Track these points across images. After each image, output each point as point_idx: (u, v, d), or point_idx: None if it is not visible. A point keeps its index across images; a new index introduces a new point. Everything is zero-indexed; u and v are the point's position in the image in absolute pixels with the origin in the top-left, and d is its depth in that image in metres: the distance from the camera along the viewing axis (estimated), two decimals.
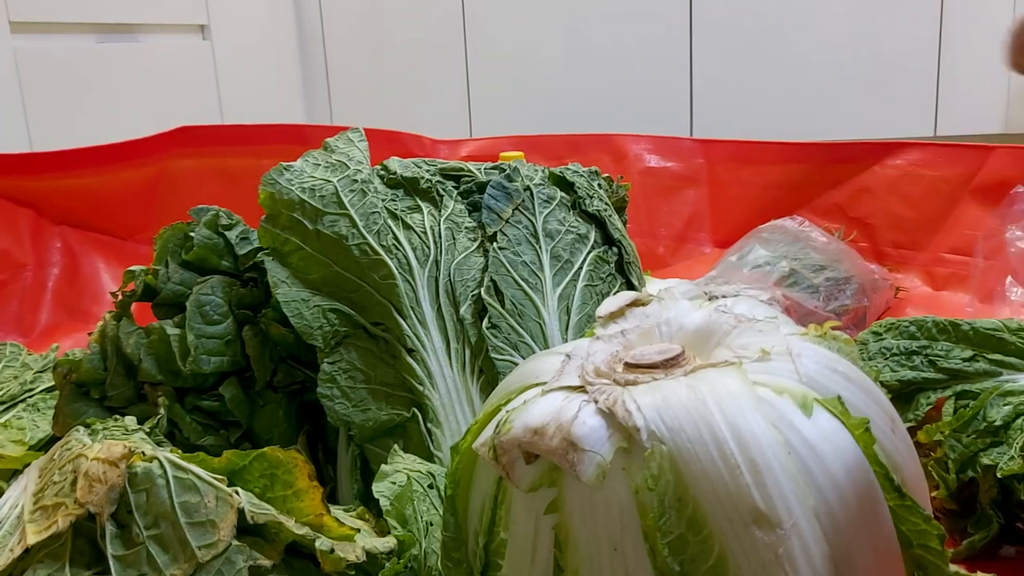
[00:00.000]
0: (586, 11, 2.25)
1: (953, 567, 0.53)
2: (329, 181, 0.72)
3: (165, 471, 0.50)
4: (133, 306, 0.78)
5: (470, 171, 0.79)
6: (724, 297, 0.53)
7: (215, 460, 0.53)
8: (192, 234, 0.78)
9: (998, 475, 0.69)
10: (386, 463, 0.61)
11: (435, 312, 0.69)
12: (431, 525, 0.57)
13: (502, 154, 1.37)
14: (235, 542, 0.48)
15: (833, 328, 0.51)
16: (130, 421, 0.64)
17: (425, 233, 0.72)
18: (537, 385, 0.49)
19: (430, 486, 0.60)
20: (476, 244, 0.73)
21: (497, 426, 0.46)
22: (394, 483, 0.59)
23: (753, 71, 2.21)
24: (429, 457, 0.66)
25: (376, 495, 0.58)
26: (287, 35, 2.38)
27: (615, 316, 0.53)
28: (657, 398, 0.43)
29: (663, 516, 0.41)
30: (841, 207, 1.56)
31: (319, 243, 0.70)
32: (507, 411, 0.47)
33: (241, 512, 0.49)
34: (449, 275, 0.70)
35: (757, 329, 0.49)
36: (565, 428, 0.43)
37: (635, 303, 0.54)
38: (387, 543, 0.53)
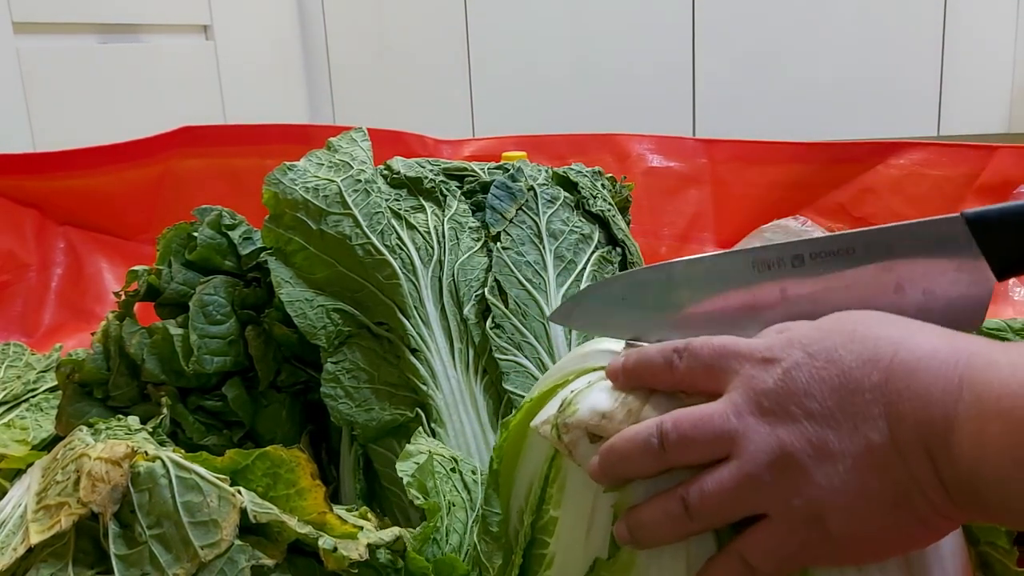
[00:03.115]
0: (589, 11, 2.25)
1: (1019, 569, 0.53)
2: (333, 181, 0.72)
3: (168, 471, 0.50)
4: (136, 306, 0.78)
5: (473, 171, 0.79)
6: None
7: (218, 460, 0.53)
8: (195, 234, 0.78)
9: None
10: (410, 444, 0.61)
11: (439, 312, 0.69)
12: (453, 505, 0.57)
13: (505, 154, 1.37)
14: (238, 541, 0.48)
15: None
16: (133, 421, 0.64)
17: (429, 233, 0.72)
18: (598, 370, 0.50)
19: (453, 470, 0.60)
20: (480, 244, 0.72)
21: (561, 406, 0.47)
22: (416, 462, 0.59)
23: (756, 70, 2.21)
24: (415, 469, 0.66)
25: (399, 474, 0.58)
26: (290, 35, 2.38)
27: None
28: None
29: None
30: (844, 207, 1.56)
31: (323, 243, 0.70)
32: (572, 391, 0.48)
33: (244, 511, 0.49)
34: (453, 275, 0.70)
35: None
36: (635, 414, 0.45)
37: None
38: (392, 532, 0.53)
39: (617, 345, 0.52)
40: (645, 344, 0.50)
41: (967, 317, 0.46)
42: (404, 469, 0.58)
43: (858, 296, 0.47)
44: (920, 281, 0.47)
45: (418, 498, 0.56)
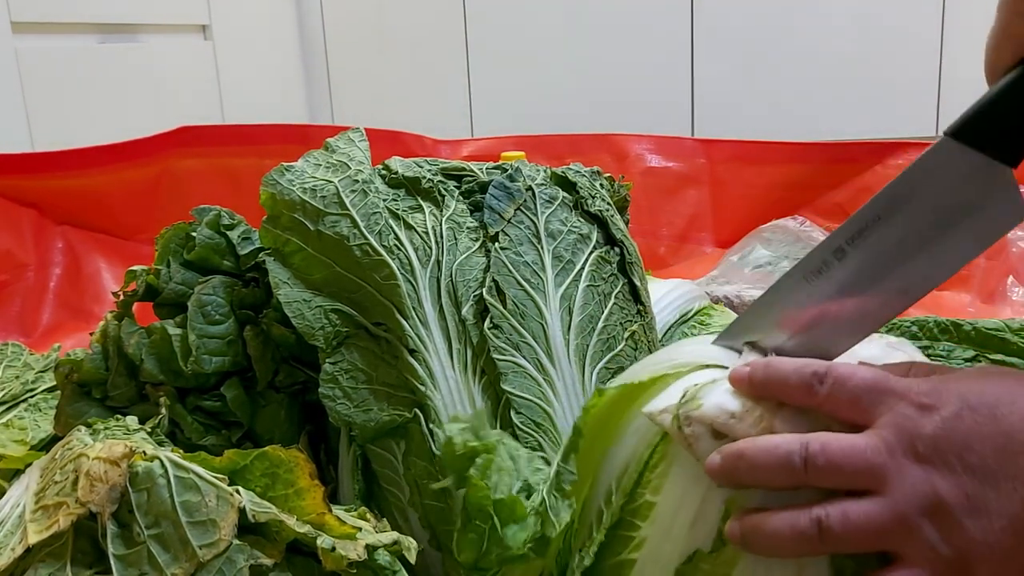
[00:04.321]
0: (587, 11, 2.25)
1: None
2: (330, 181, 0.72)
3: (166, 470, 0.50)
4: (135, 306, 0.78)
5: (472, 171, 0.79)
6: (887, 336, 0.58)
7: (216, 459, 0.53)
8: (194, 234, 0.78)
9: None
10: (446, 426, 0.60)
11: (437, 312, 0.69)
12: (500, 470, 0.54)
13: (503, 154, 1.37)
14: (236, 541, 0.48)
15: None
16: (131, 421, 0.64)
17: (427, 233, 0.72)
18: (715, 367, 0.51)
19: (499, 442, 0.58)
20: (478, 244, 0.72)
21: (684, 397, 0.47)
22: (464, 423, 0.55)
23: (754, 70, 2.21)
24: (432, 459, 0.66)
25: (448, 434, 0.54)
26: (288, 35, 2.38)
27: None
28: None
29: None
30: (843, 207, 1.56)
31: (320, 244, 0.70)
32: (695, 385, 0.48)
33: (242, 511, 0.49)
34: (451, 275, 0.70)
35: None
36: (766, 422, 0.46)
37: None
38: (390, 536, 0.53)
39: (736, 344, 0.53)
40: (766, 348, 0.51)
41: (1013, 213, 0.47)
42: (452, 429, 0.54)
43: (907, 253, 0.48)
44: (952, 211, 0.47)
45: (474, 440, 0.52)
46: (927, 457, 0.42)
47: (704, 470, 0.46)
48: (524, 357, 0.68)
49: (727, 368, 0.50)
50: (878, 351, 0.53)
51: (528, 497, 0.51)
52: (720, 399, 0.47)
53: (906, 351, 0.53)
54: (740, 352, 0.52)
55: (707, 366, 0.51)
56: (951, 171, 0.47)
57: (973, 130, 0.47)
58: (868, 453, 0.42)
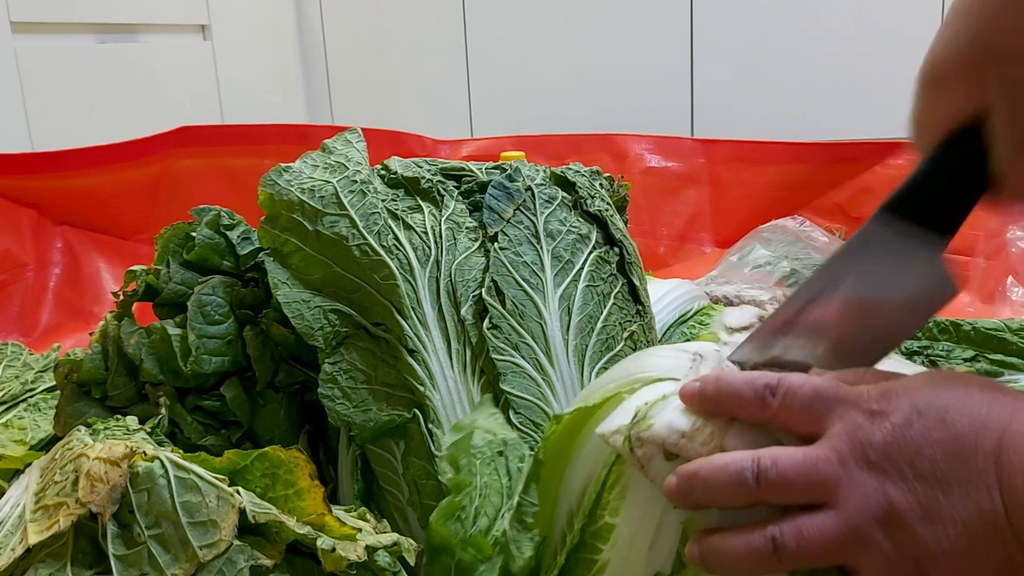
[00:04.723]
0: (587, 11, 2.25)
1: None
2: (328, 182, 0.72)
3: (166, 471, 0.50)
4: (134, 306, 0.78)
5: (471, 171, 0.79)
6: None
7: (216, 460, 0.53)
8: (193, 234, 0.78)
9: None
10: (466, 418, 0.60)
11: (436, 312, 0.69)
12: (488, 488, 0.56)
13: (503, 154, 1.37)
14: (236, 542, 0.48)
15: None
16: (131, 421, 0.64)
17: (426, 233, 0.72)
18: (668, 380, 0.50)
19: (500, 453, 0.58)
20: (477, 244, 0.72)
21: (635, 418, 0.47)
22: (456, 437, 0.57)
23: (754, 70, 2.21)
24: (431, 459, 0.66)
25: (445, 449, 0.57)
26: (288, 35, 2.38)
27: (744, 328, 0.55)
28: None
29: None
30: (842, 207, 1.57)
31: (319, 244, 0.70)
32: (645, 404, 0.48)
33: (242, 511, 0.49)
34: (450, 275, 0.70)
35: (885, 362, 0.51)
36: (717, 439, 0.45)
37: (762, 319, 0.55)
38: (389, 537, 0.53)
39: (682, 354, 0.52)
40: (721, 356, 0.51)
41: (947, 286, 0.49)
42: (446, 441, 0.57)
43: (848, 327, 0.50)
44: (890, 282, 0.49)
45: (447, 473, 0.55)
46: (879, 465, 0.42)
47: (661, 492, 0.45)
48: (523, 357, 0.68)
49: (680, 381, 0.49)
50: None
51: (492, 529, 0.52)
52: (670, 418, 0.46)
53: None
54: (694, 360, 0.51)
55: (660, 380, 0.50)
56: (888, 243, 0.49)
57: (908, 203, 0.49)
58: (819, 466, 0.42)
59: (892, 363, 0.51)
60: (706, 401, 0.46)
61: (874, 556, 0.41)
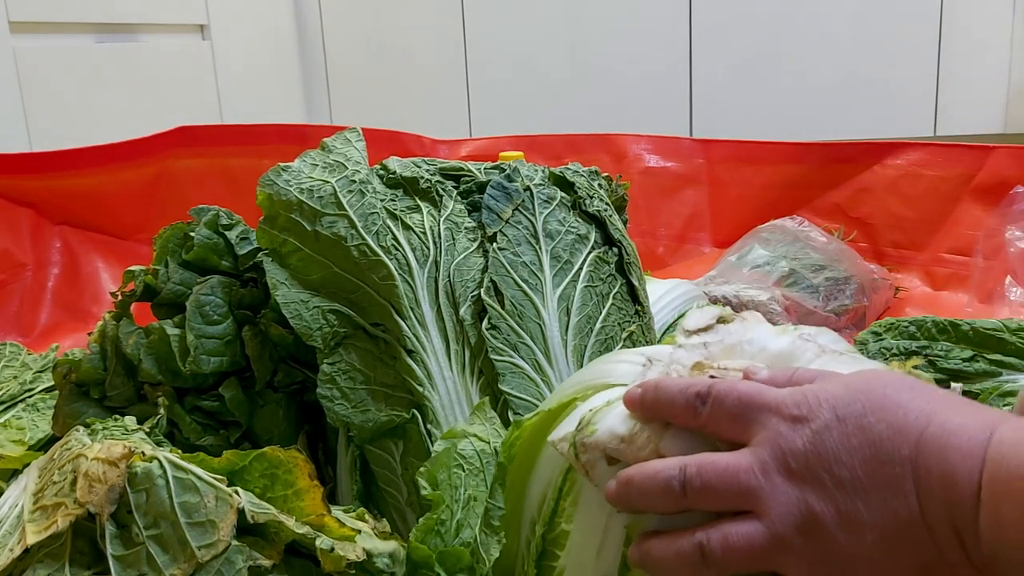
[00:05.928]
0: (586, 11, 2.25)
1: None
2: (327, 182, 0.72)
3: (165, 471, 0.50)
4: (133, 306, 0.78)
5: (470, 171, 0.79)
6: (802, 327, 0.55)
7: (215, 460, 0.53)
8: (192, 234, 0.78)
9: None
10: (460, 426, 0.61)
11: (435, 313, 0.69)
12: (473, 500, 0.57)
13: (502, 154, 1.37)
14: (235, 542, 0.48)
15: (833, 328, 0.51)
16: (130, 421, 0.64)
17: (425, 233, 0.72)
18: (618, 386, 0.50)
19: (489, 463, 0.59)
20: (476, 244, 0.72)
21: (580, 425, 0.47)
22: (437, 450, 0.59)
23: (753, 70, 2.21)
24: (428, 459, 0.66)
25: (425, 464, 0.58)
26: (287, 35, 2.38)
27: (701, 330, 0.54)
28: None
29: None
30: (841, 207, 1.57)
31: (318, 244, 0.70)
32: (591, 411, 0.48)
33: (241, 512, 0.49)
34: (449, 276, 0.70)
35: (840, 360, 0.50)
36: (653, 442, 0.46)
37: (721, 320, 0.55)
38: (388, 546, 0.53)
39: (637, 358, 0.52)
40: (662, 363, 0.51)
41: None
42: (435, 450, 0.58)
43: None
44: None
45: (425, 489, 0.56)
46: (799, 474, 0.42)
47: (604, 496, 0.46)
48: (522, 358, 0.68)
49: (626, 386, 0.49)
50: (787, 344, 0.52)
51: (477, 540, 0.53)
52: (611, 423, 0.47)
53: (820, 341, 0.52)
54: (644, 365, 0.52)
55: (608, 386, 0.51)
56: None
57: None
58: (740, 475, 0.43)
59: (846, 359, 0.51)
60: (646, 407, 0.47)
61: (797, 564, 0.42)
